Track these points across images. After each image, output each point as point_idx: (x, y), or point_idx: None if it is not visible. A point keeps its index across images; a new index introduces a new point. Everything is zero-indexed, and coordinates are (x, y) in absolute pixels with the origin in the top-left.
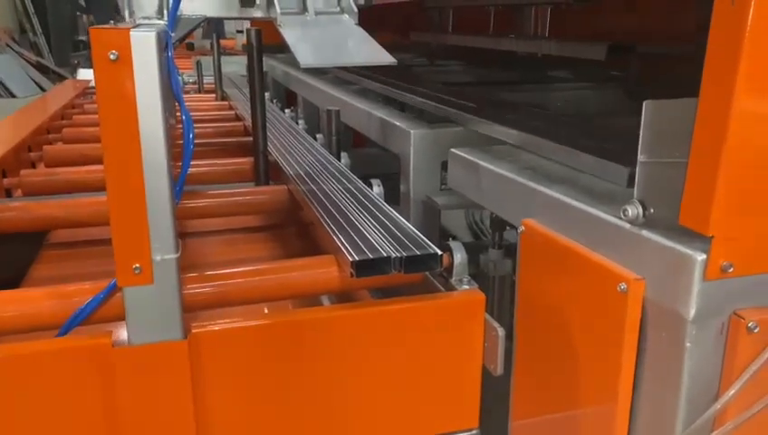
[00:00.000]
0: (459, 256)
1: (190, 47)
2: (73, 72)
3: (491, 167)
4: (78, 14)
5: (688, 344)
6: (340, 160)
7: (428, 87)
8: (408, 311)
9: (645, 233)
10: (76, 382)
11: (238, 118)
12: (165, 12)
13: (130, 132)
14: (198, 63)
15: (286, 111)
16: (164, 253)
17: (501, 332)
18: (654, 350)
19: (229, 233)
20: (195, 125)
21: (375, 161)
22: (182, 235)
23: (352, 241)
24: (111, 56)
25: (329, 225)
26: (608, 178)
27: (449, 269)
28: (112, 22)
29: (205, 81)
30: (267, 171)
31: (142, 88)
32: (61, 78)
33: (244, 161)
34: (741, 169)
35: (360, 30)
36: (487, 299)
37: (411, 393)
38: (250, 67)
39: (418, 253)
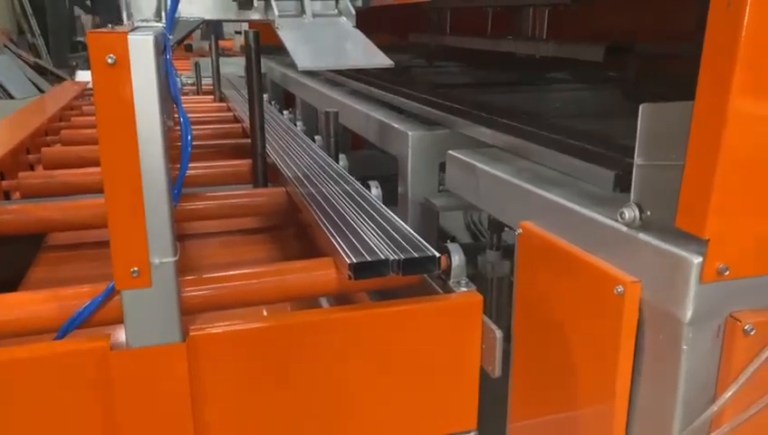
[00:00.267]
0: (457, 259)
1: (188, 48)
2: (72, 73)
3: (488, 169)
4: (78, 15)
5: (685, 347)
6: (338, 162)
7: (419, 89)
8: (406, 313)
9: (641, 236)
10: (74, 386)
11: (236, 119)
12: (163, 14)
13: (128, 136)
14: (197, 65)
15: (284, 112)
16: (162, 256)
17: (498, 334)
18: (651, 352)
19: (227, 235)
20: (193, 127)
21: (373, 163)
22: (180, 237)
23: (350, 243)
24: (109, 60)
25: (327, 227)
26: (593, 182)
27: (447, 271)
28: (110, 25)
29: (203, 82)
30: (265, 173)
31: (140, 92)
32: (59, 79)
33: (243, 163)
34: (737, 173)
35: (358, 32)
36: (485, 300)
37: (410, 395)
38: (248, 69)
39: (416, 255)
